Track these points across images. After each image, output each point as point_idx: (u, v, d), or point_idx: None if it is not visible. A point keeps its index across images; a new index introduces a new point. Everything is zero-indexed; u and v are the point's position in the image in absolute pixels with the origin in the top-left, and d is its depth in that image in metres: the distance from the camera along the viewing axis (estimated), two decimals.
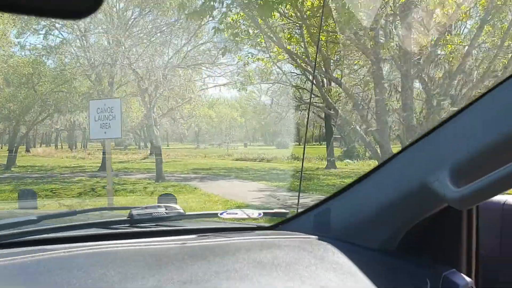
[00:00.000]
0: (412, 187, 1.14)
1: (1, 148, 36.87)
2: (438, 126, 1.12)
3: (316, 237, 1.34)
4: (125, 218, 1.43)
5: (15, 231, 1.24)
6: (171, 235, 1.37)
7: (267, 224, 1.65)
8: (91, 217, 1.64)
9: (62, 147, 42.68)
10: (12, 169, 21.88)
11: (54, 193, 14.18)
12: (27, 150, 34.39)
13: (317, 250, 1.22)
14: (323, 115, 27.41)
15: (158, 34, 17.25)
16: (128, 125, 32.51)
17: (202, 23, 17.80)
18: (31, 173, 20.52)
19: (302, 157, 29.08)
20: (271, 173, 20.07)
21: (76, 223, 1.37)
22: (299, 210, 1.57)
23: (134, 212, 1.43)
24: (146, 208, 1.47)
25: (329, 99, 22.38)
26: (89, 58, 19.55)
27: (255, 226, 1.62)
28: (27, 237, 1.23)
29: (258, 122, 40.55)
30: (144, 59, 16.30)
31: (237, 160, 28.69)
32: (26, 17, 19.12)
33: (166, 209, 1.49)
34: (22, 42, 21.14)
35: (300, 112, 28.73)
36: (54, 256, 1.07)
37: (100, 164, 21.75)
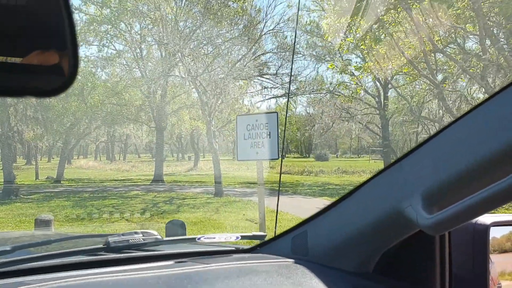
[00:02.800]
0: (386, 212, 1.16)
1: (47, 160, 37.15)
2: (411, 151, 1.13)
3: (293, 260, 1.37)
4: (102, 245, 1.43)
5: None
6: (149, 261, 1.38)
7: (245, 247, 1.65)
8: (67, 245, 1.60)
9: (100, 158, 42.77)
10: (62, 182, 21.70)
11: (117, 209, 13.72)
12: (69, 162, 34.48)
13: (295, 275, 1.24)
14: (372, 128, 26.56)
15: (218, 45, 16.79)
16: (173, 136, 32.29)
17: (263, 33, 17.35)
18: (84, 186, 20.25)
19: (347, 170, 28.29)
20: (328, 188, 19.29)
21: (52, 252, 1.36)
22: (277, 233, 1.58)
23: (111, 239, 1.42)
24: (123, 235, 1.47)
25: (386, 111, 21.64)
26: (142, 70, 19.27)
27: (233, 248, 1.62)
28: (1, 269, 1.22)
29: (301, 133, 39.87)
30: (205, 71, 15.83)
31: (282, 173, 27.99)
32: (79, 28, 19.01)
33: (143, 235, 1.49)
34: None
35: (347, 123, 27.95)
36: None
37: (152, 177, 21.36)
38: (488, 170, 0.94)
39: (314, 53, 18.89)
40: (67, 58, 0.77)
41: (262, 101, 20.92)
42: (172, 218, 12.40)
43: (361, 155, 46.65)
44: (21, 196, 16.92)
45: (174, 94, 20.10)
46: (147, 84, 18.80)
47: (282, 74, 16.82)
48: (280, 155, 5.72)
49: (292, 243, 1.45)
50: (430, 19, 8.42)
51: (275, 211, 12.37)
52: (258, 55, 17.18)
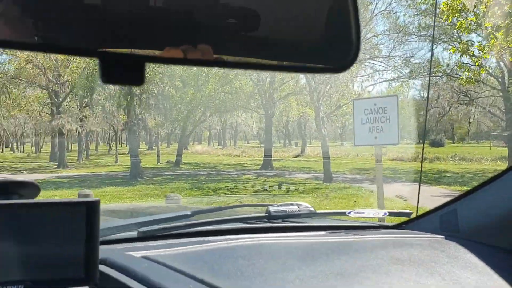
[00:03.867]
0: None
1: (166, 145, 40.20)
2: None
3: (443, 236, 1.38)
4: (263, 214, 1.58)
5: (180, 223, 1.41)
6: (304, 231, 1.53)
7: (389, 224, 1.72)
8: (233, 213, 1.77)
9: (213, 144, 45.11)
10: (181, 166, 23.35)
11: (231, 191, 14.45)
12: (185, 148, 36.87)
13: (448, 249, 1.24)
14: (494, 111, 24.36)
15: None
16: (280, 123, 32.89)
17: (374, 14, 16.79)
18: (200, 170, 21.58)
19: (465, 157, 26.34)
20: (445, 176, 18.20)
21: (223, 218, 1.52)
22: (420, 212, 1.63)
23: (271, 208, 1.57)
24: (281, 205, 1.59)
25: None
26: None
27: (378, 225, 1.69)
28: (189, 229, 1.40)
29: (415, 119, 38.01)
30: None
31: (393, 160, 26.98)
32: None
33: (299, 207, 1.61)
34: None
35: (465, 107, 25.96)
36: (219, 247, 1.23)
37: (261, 163, 22.04)
38: None
39: (429, 34, 17.80)
40: (350, 37, 0.78)
41: (373, 85, 20.26)
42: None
43: (481, 141, 43.02)
44: (146, 178, 18.60)
45: (282, 81, 20.38)
46: (256, 71, 19.31)
47: (395, 56, 16.13)
48: (398, 141, 5.56)
49: (440, 221, 1.47)
50: None
51: (390, 198, 12.10)
52: (369, 38, 16.65)
